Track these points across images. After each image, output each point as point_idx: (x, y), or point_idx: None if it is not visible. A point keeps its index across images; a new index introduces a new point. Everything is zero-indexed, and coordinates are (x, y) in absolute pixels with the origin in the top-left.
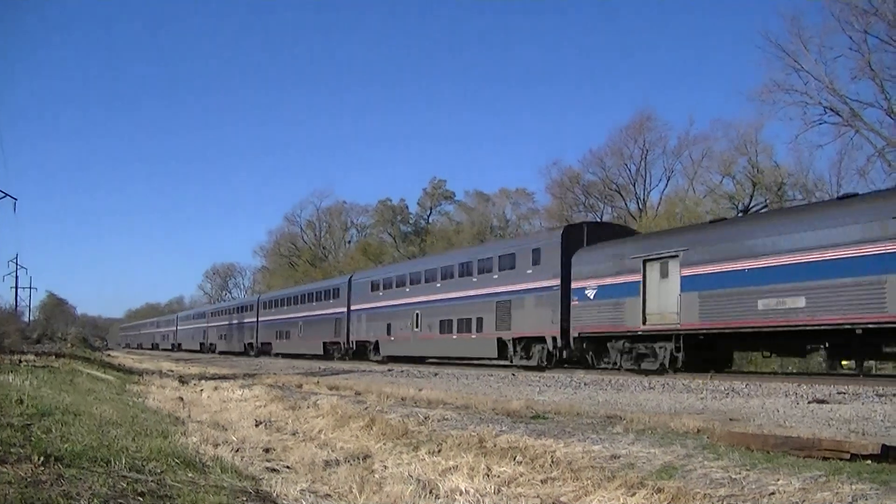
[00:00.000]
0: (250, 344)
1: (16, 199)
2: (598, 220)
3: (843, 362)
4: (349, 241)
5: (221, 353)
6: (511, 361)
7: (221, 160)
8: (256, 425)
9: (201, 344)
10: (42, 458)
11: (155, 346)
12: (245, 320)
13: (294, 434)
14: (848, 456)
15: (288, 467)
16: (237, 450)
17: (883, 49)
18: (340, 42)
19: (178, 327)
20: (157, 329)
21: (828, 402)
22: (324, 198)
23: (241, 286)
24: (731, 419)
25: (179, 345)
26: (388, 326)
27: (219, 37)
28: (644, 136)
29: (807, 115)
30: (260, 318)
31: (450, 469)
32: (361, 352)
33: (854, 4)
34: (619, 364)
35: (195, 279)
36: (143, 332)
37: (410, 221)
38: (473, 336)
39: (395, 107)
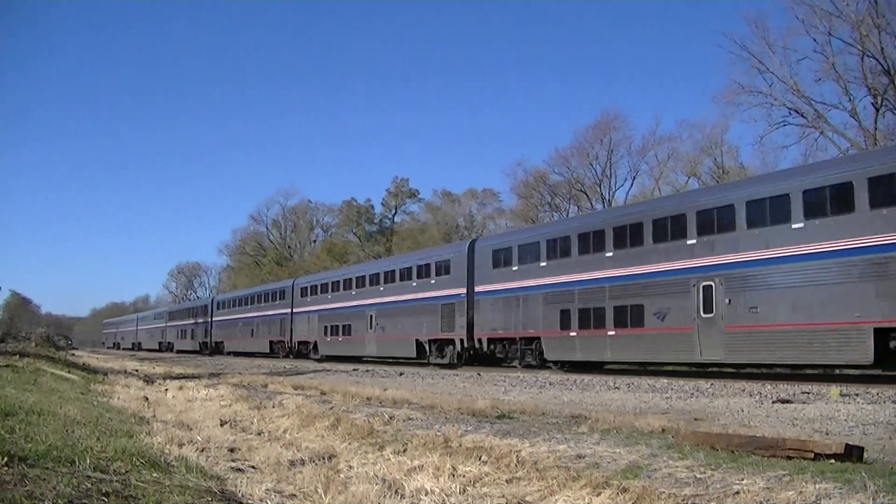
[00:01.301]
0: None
1: None
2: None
3: None
4: (314, 241)
5: (329, 357)
6: None
7: (187, 158)
8: (221, 425)
9: (273, 343)
10: (5, 459)
11: (166, 347)
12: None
13: (259, 434)
14: (812, 455)
15: (253, 467)
16: (202, 449)
17: (847, 51)
18: (307, 42)
19: (216, 318)
20: (173, 323)
21: (792, 402)
22: (289, 197)
23: (206, 285)
24: (695, 419)
25: (218, 345)
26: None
27: (183, 38)
28: (610, 135)
29: (771, 117)
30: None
31: (415, 469)
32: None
33: (818, 7)
34: None
35: (160, 278)
36: (145, 328)
37: (375, 221)
38: None
39: (362, 106)
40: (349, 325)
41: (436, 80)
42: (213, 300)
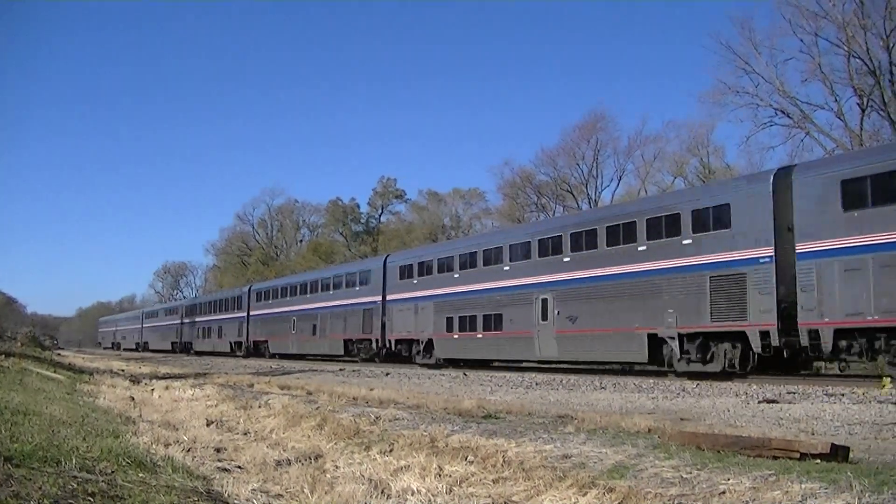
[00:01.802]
0: None
1: None
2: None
3: None
4: (301, 241)
5: (451, 361)
6: None
7: (171, 158)
8: (208, 425)
9: (351, 343)
10: None
11: (182, 348)
12: None
13: (245, 434)
14: (798, 455)
15: (239, 467)
16: (188, 449)
17: (833, 52)
18: (294, 43)
19: (254, 312)
20: (192, 319)
21: (778, 402)
22: (276, 196)
23: (193, 285)
24: (682, 419)
25: (259, 345)
26: None
27: (170, 39)
28: (596, 135)
29: (757, 117)
30: None
31: (401, 469)
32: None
33: (804, 7)
34: None
35: (146, 278)
36: (153, 326)
37: (361, 221)
38: None
39: (349, 106)
40: (497, 316)
41: (422, 80)
42: (250, 289)
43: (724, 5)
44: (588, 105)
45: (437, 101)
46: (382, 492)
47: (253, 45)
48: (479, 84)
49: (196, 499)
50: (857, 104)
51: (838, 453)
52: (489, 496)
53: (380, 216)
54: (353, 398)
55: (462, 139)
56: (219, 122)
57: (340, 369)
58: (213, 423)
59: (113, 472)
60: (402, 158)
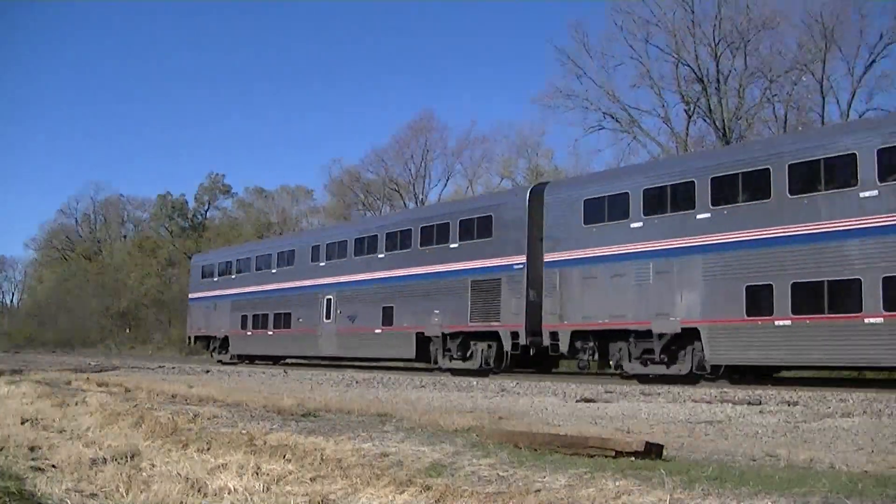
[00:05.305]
0: None
1: None
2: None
3: None
4: (125, 236)
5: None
6: None
7: None
8: (22, 423)
9: None
10: None
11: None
12: None
13: (61, 432)
14: (613, 453)
15: (54, 466)
16: (0, 448)
17: (663, 59)
18: (130, 35)
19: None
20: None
21: (595, 401)
22: (100, 190)
23: (13, 280)
24: (500, 417)
25: None
26: None
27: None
28: (426, 136)
29: (587, 121)
30: None
31: (219, 467)
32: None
33: (636, 14)
34: None
35: None
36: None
37: (188, 216)
38: None
39: (177, 103)
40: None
41: (254, 79)
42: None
43: (561, 8)
44: (422, 106)
45: (269, 100)
46: (199, 490)
47: (87, 37)
48: (311, 84)
49: (7, 499)
50: (685, 110)
51: (652, 451)
52: (307, 494)
53: (206, 211)
54: (172, 396)
55: (295, 140)
56: (41, 113)
57: (160, 366)
58: (28, 420)
59: None
60: (233, 157)
